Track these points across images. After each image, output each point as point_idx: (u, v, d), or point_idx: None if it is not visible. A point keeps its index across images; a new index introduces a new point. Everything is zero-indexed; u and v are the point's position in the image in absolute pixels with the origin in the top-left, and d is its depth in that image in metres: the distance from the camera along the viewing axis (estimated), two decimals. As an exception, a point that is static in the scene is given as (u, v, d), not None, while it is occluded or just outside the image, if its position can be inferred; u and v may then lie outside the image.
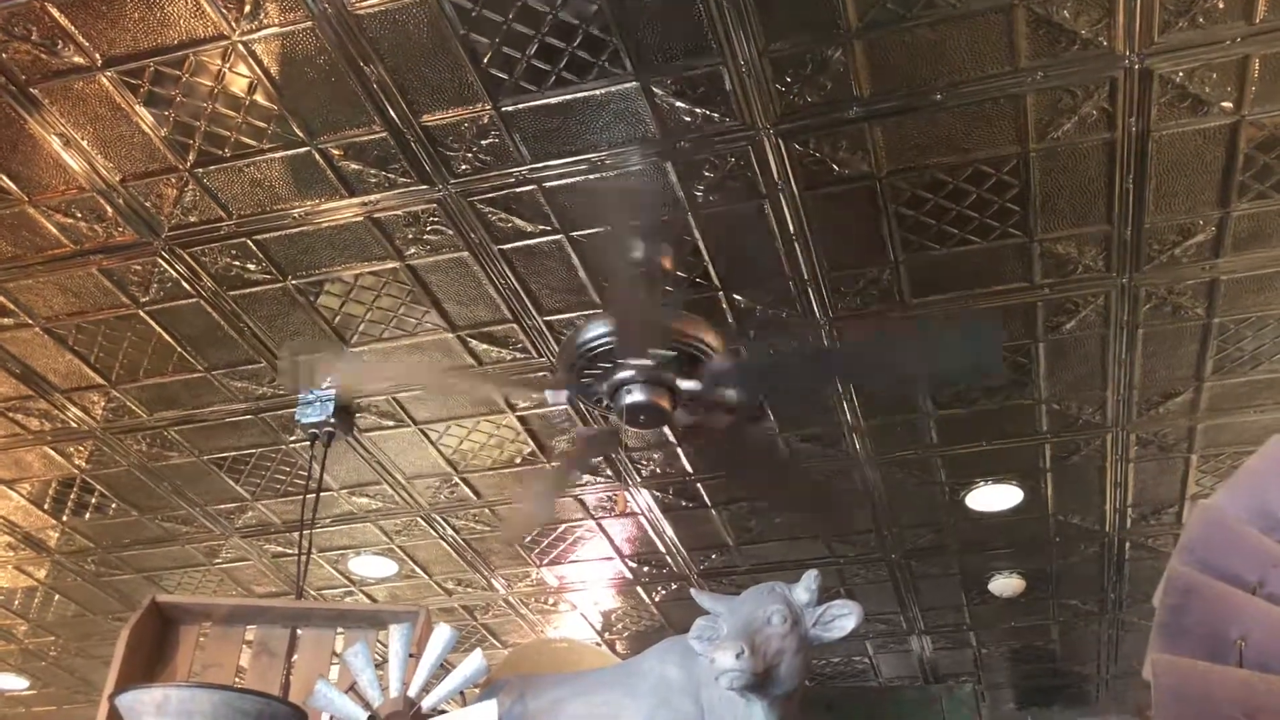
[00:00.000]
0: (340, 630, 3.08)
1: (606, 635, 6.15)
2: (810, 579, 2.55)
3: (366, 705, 2.52)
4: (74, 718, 7.43)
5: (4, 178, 3.30)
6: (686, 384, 3.08)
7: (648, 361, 3.03)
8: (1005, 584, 5.53)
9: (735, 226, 3.40)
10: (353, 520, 5.08)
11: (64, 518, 5.05)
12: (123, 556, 5.36)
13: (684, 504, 4.88)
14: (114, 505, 4.95)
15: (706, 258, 3.55)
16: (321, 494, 4.84)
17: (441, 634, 2.59)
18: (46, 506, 4.97)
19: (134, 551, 5.33)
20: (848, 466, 4.58)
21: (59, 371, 4.13)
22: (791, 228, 3.42)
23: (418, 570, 5.51)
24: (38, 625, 6.10)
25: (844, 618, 2.50)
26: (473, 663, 2.52)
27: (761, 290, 3.61)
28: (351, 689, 2.60)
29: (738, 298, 3.69)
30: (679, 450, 4.48)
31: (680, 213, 3.38)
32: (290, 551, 5.25)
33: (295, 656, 3.10)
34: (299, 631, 3.08)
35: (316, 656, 3.04)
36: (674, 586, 5.61)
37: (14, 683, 6.90)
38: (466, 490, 4.84)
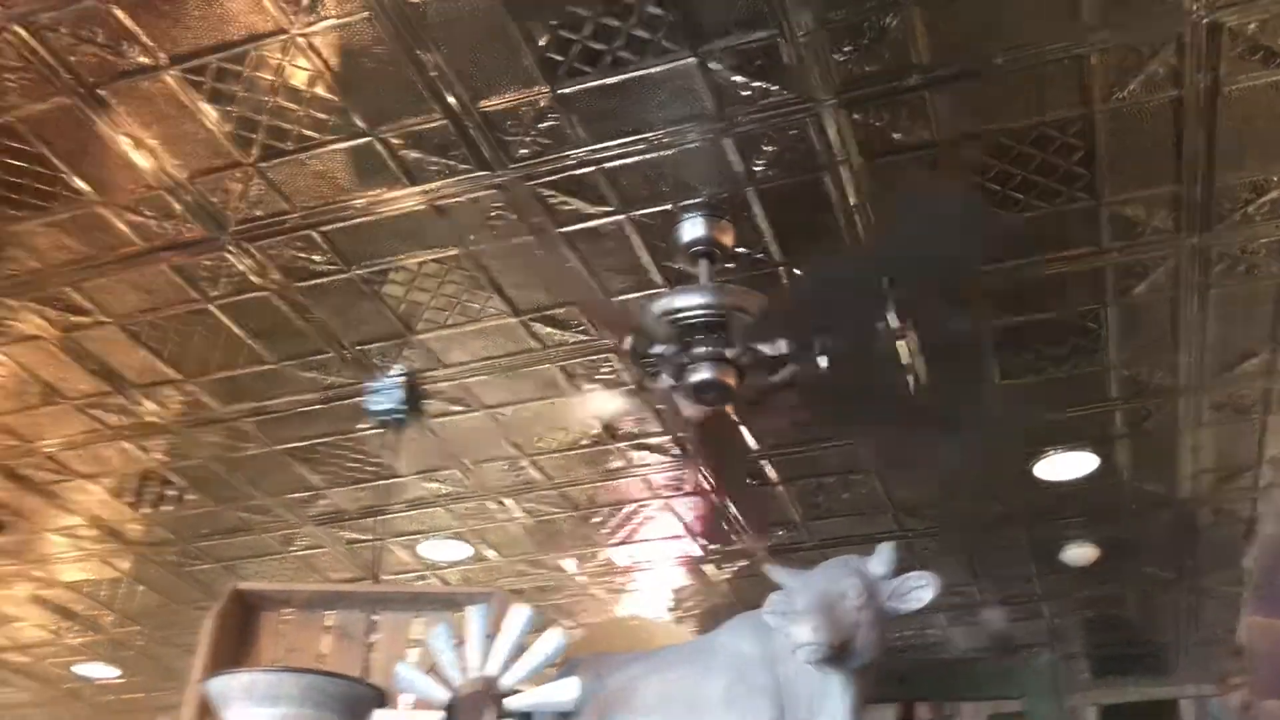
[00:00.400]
0: (417, 613, 3.12)
1: (676, 613, 6.16)
2: (887, 551, 2.53)
3: (447, 685, 2.55)
4: (161, 704, 7.61)
5: (76, 179, 3.37)
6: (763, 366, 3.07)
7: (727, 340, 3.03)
8: (1078, 553, 5.45)
9: (795, 200, 3.37)
10: (424, 505, 5.14)
11: (143, 510, 5.16)
12: (201, 547, 5.47)
13: (750, 480, 4.87)
14: (191, 497, 5.05)
15: (767, 234, 3.52)
16: (392, 480, 4.91)
17: (520, 614, 2.61)
18: (126, 500, 5.08)
19: (212, 542, 5.43)
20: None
21: (134, 367, 4.21)
22: (852, 200, 3.39)
23: (489, 553, 5.56)
24: (124, 615, 6.25)
25: (921, 589, 2.48)
26: (551, 641, 2.54)
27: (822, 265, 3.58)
28: (432, 670, 2.63)
29: (798, 272, 3.66)
30: (743, 428, 4.46)
31: (739, 188, 3.36)
32: (364, 537, 5.32)
33: (374, 640, 3.14)
34: (377, 615, 3.12)
35: (394, 640, 3.08)
36: (742, 564, 5.60)
37: (105, 671, 7.08)
38: (534, 473, 4.87)
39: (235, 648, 2.96)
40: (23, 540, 5.44)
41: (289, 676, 2.52)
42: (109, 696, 7.49)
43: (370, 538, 5.28)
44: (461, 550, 5.53)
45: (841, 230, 3.49)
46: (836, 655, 2.41)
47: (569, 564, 5.68)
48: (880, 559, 2.53)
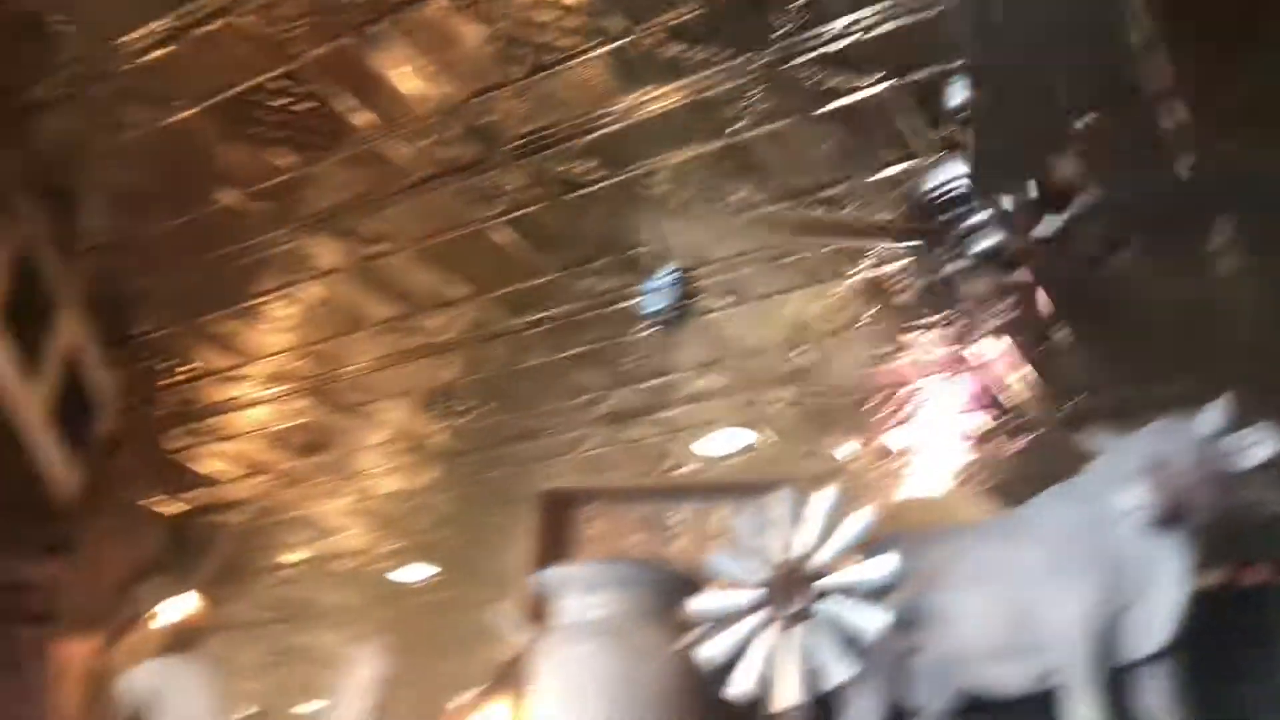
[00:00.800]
0: (718, 504, 3.19)
1: (967, 488, 6.06)
2: (1219, 408, 2.38)
3: (758, 569, 2.60)
4: (470, 601, 8.18)
5: (357, 116, 3.55)
6: (1047, 223, 2.92)
7: (1006, 202, 2.90)
8: None
9: (1084, 37, 3.14)
10: (701, 399, 5.23)
11: (443, 423, 5.50)
12: (497, 454, 5.79)
13: (1040, 349, 4.68)
14: (485, 408, 5.33)
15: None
16: (670, 377, 5.01)
17: (826, 495, 2.63)
18: (427, 414, 5.42)
19: (506, 449, 5.73)
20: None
21: (425, 289, 4.46)
22: (1150, 31, 3.11)
23: (767, 442, 5.61)
24: (433, 522, 6.72)
25: (1256, 446, 2.32)
26: (860, 520, 2.54)
27: (1116, 110, 3.33)
28: (742, 555, 2.69)
29: (1085, 123, 3.44)
30: (1035, 295, 4.27)
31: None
32: (649, 435, 5.48)
33: (677, 531, 3.24)
34: (679, 507, 3.22)
35: (698, 530, 3.17)
36: (1034, 434, 5.43)
37: (425, 571, 7.65)
38: (809, 360, 4.86)
39: (553, 543, 3.13)
40: (339, 458, 5.91)
41: (614, 566, 2.65)
42: (423, 598, 8.12)
43: (653, 434, 5.43)
44: (740, 440, 5.60)
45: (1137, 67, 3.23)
46: (1168, 519, 2.30)
47: (849, 448, 5.67)
48: (1211, 417, 2.38)
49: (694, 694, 2.66)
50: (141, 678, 2.56)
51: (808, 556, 2.63)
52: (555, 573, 2.72)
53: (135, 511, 5.99)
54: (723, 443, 5.56)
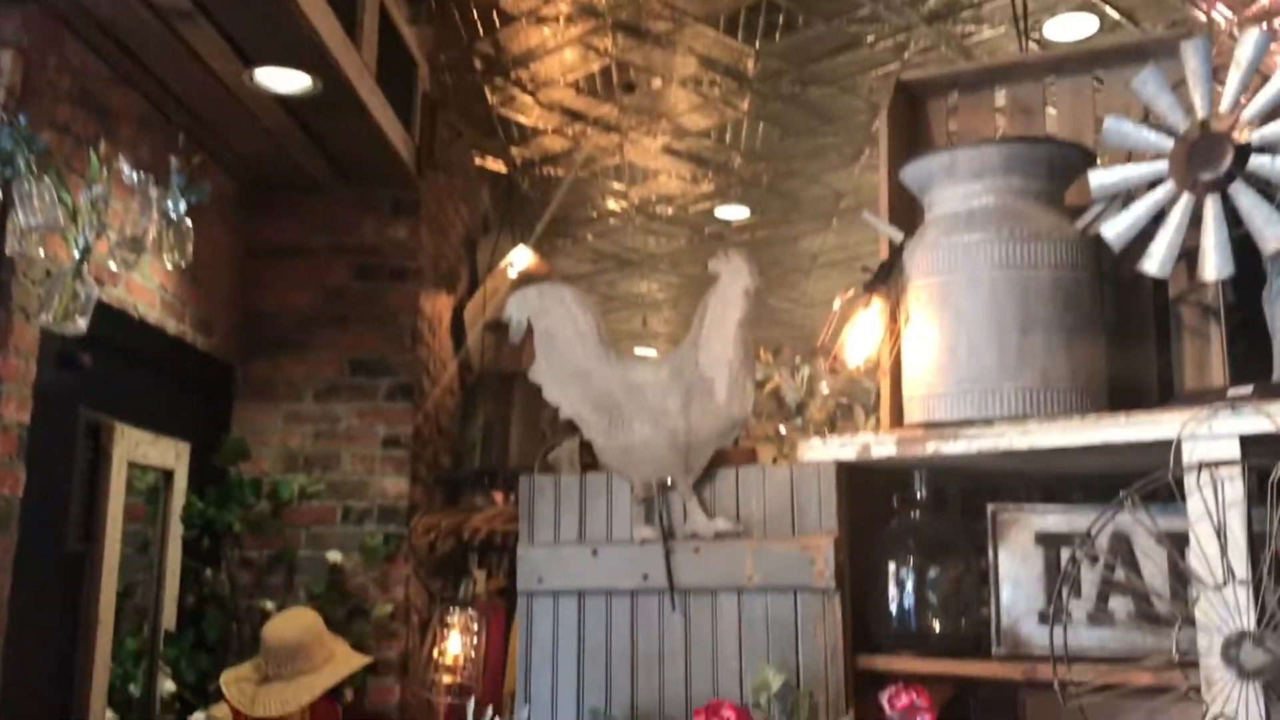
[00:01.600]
0: (1098, 73, 2.81)
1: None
2: None
3: (1169, 132, 2.27)
4: (790, 235, 8.12)
5: None
6: None
7: None
8: None
9: None
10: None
11: (756, 44, 5.21)
12: (815, 70, 5.46)
13: None
14: (800, 19, 4.97)
15: None
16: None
17: (1249, 41, 2.22)
18: (739, 35, 5.13)
19: (824, 64, 5.39)
20: None
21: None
22: None
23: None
24: (750, 156, 6.57)
25: None
26: (1302, 61, 2.14)
27: None
28: (1146, 120, 2.36)
29: None
30: None
31: None
32: (981, 30, 4.97)
33: (1052, 112, 2.90)
34: (1052, 83, 2.86)
35: (1076, 107, 2.82)
36: None
37: (738, 213, 7.62)
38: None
39: (906, 144, 2.88)
40: (651, 96, 5.78)
41: (991, 148, 2.38)
42: (745, 235, 8.12)
43: (988, 29, 4.91)
44: (1091, 22, 4.99)
45: None
46: None
47: None
48: None
49: (1093, 278, 2.42)
50: (530, 296, 2.59)
51: (1232, 111, 2.27)
52: (929, 162, 2.49)
53: (467, 170, 6.17)
54: (1075, 25, 4.93)
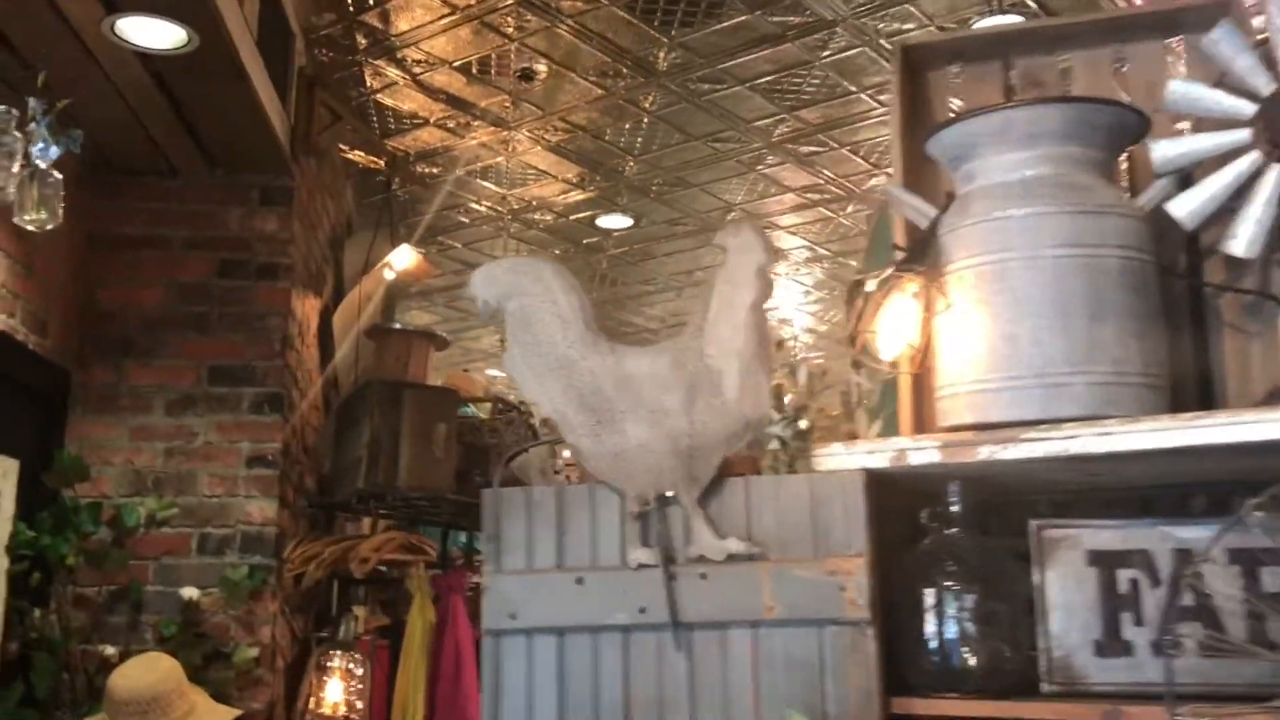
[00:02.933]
0: (1119, 44, 2.58)
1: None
2: None
3: (1252, 96, 2.04)
4: (668, 250, 7.83)
5: None
6: None
7: None
8: None
9: None
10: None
11: (672, 33, 4.88)
12: (728, 67, 5.17)
13: None
14: (723, 6, 4.67)
15: None
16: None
17: (1341, -7, 2.01)
18: (656, 22, 4.80)
19: (739, 60, 5.11)
20: None
21: None
22: None
23: None
24: (643, 159, 6.23)
25: None
26: None
27: None
28: (1220, 81, 2.12)
29: None
30: None
31: None
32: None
33: (1068, 87, 2.65)
34: (1066, 56, 2.62)
35: (1094, 79, 2.58)
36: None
37: (619, 222, 7.28)
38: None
39: (924, 112, 2.59)
40: (549, 87, 5.39)
41: (1051, 109, 2.10)
42: (623, 248, 7.79)
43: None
44: None
45: None
46: None
47: None
48: None
49: (1155, 262, 2.16)
50: (499, 273, 2.16)
51: (1317, 75, 2.05)
52: (973, 125, 2.18)
53: (334, 161, 5.64)
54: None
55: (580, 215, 7.14)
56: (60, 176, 2.57)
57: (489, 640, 2.17)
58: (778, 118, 5.57)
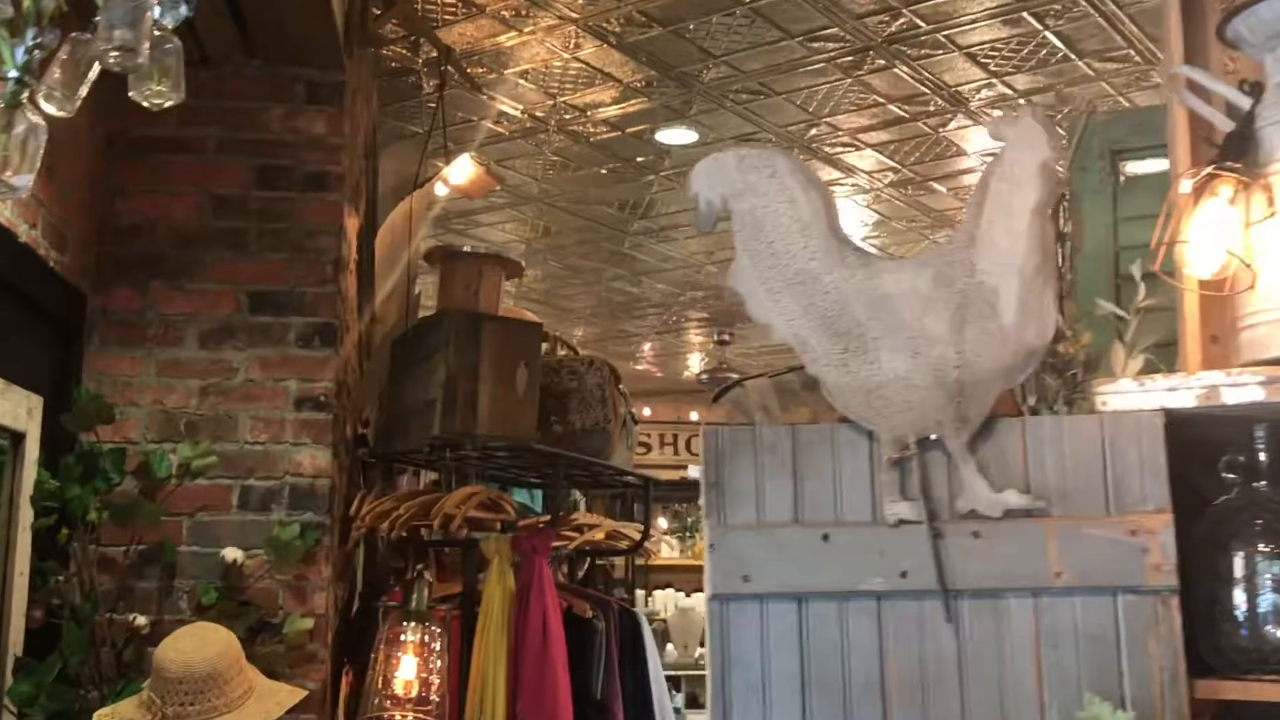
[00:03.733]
0: None
1: None
2: None
3: None
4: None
5: None
6: None
7: None
8: None
9: None
10: None
11: None
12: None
13: None
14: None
15: None
16: None
17: None
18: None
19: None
20: None
21: None
22: None
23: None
24: (722, 63, 6.06)
25: None
26: None
27: None
28: None
29: None
30: None
31: None
32: None
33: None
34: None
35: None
36: None
37: (680, 136, 7.11)
38: None
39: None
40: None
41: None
42: (680, 168, 7.63)
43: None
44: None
45: None
46: None
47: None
48: None
49: None
50: (726, 168, 2.02)
51: None
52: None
53: (369, 58, 5.45)
54: None
55: (635, 128, 6.96)
56: (180, 44, 2.39)
57: (714, 605, 2.05)
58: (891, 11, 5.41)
